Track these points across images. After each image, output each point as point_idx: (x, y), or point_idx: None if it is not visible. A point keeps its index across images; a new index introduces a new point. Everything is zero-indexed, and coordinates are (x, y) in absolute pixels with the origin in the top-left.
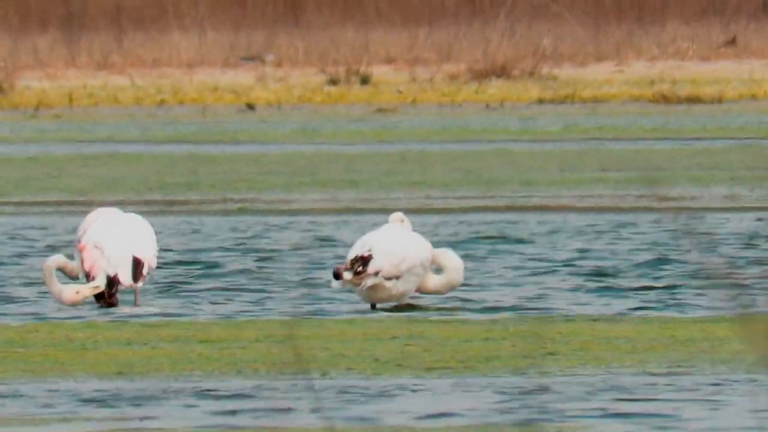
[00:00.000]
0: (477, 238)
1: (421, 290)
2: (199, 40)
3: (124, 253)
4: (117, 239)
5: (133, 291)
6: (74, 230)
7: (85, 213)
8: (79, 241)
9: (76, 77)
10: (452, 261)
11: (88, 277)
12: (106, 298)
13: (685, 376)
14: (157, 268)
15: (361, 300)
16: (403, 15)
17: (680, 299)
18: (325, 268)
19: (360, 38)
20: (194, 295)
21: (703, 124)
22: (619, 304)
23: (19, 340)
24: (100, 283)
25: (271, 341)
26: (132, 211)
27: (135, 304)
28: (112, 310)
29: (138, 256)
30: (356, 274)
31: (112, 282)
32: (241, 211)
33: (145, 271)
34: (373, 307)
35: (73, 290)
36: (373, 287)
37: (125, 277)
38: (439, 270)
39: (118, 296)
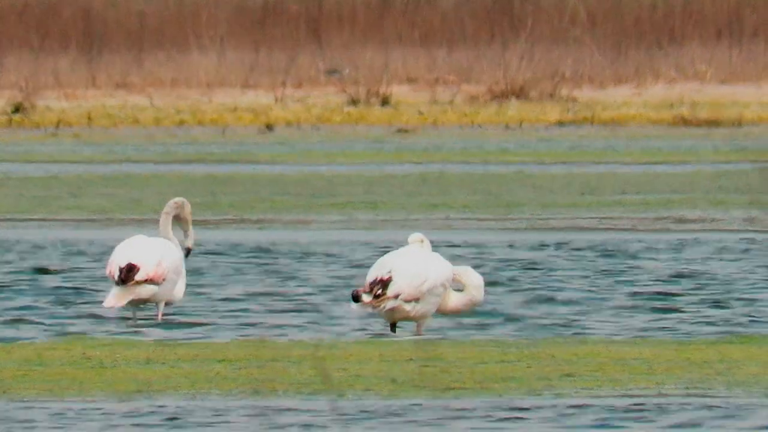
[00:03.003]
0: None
1: (442, 311)
2: (219, 61)
3: (139, 253)
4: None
5: (156, 307)
6: (93, 246)
7: (105, 230)
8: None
9: (95, 97)
10: (473, 278)
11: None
12: (126, 283)
13: (701, 398)
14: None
15: (381, 319)
16: (422, 36)
17: (697, 321)
18: (342, 289)
19: (380, 59)
20: (212, 314)
21: (722, 147)
22: (635, 326)
23: (37, 358)
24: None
25: (288, 361)
26: (150, 231)
27: (157, 318)
28: (131, 328)
29: (134, 262)
30: (376, 297)
31: (122, 269)
32: (260, 231)
33: (140, 276)
34: (393, 328)
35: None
36: (392, 309)
37: (142, 265)
38: (459, 289)
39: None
